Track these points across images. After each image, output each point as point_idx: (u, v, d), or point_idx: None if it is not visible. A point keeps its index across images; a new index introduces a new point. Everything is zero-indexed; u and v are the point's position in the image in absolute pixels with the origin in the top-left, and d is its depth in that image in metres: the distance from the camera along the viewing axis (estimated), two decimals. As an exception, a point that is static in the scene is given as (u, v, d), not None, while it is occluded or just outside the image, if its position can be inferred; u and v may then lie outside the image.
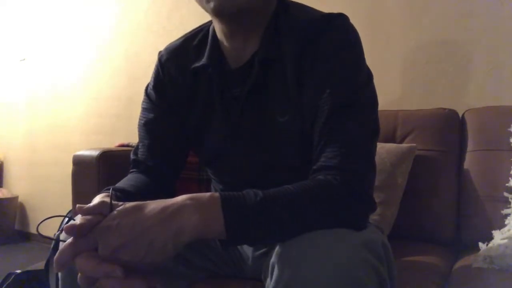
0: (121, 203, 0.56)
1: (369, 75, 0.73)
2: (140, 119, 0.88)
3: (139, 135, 0.88)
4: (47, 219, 0.59)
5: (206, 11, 0.75)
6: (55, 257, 0.52)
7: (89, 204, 0.56)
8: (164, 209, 0.53)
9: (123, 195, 0.71)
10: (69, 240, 0.53)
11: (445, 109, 1.38)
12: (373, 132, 0.70)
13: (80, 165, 1.41)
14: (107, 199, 0.56)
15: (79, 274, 0.53)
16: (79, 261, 0.52)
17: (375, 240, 0.59)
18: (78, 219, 0.54)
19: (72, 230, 0.52)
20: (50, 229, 0.63)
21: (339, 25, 0.72)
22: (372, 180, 0.67)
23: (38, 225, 0.58)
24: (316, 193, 0.60)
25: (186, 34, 0.87)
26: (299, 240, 0.55)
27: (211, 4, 0.70)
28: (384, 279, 0.57)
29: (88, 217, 0.54)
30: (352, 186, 0.62)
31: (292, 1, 0.80)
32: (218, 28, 0.79)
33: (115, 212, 0.54)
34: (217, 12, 0.71)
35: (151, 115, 0.86)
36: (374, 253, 0.56)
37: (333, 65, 0.69)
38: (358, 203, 0.62)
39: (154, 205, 0.54)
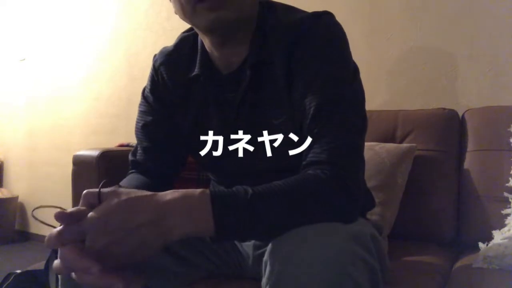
0: (111, 188, 0.55)
1: (355, 71, 0.74)
2: (137, 122, 0.88)
3: (137, 137, 0.89)
4: (43, 207, 0.59)
5: (195, 26, 0.77)
6: (45, 241, 0.53)
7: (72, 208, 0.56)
8: (154, 208, 0.53)
9: None
10: (57, 228, 0.53)
11: (445, 109, 1.38)
12: (361, 127, 0.71)
13: (80, 165, 1.41)
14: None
15: (58, 259, 0.53)
16: (62, 249, 0.52)
17: (364, 233, 0.59)
18: (71, 209, 0.54)
19: (62, 217, 0.53)
20: (49, 227, 0.63)
21: (323, 23, 0.73)
22: (361, 174, 0.69)
23: (33, 210, 0.58)
24: (305, 187, 0.61)
25: (178, 38, 0.88)
26: (288, 236, 0.56)
27: (203, 22, 0.71)
28: (374, 271, 0.57)
29: (80, 207, 0.54)
30: (341, 179, 0.62)
31: (276, 2, 0.81)
32: (206, 40, 0.80)
33: (104, 206, 0.53)
34: (210, 30, 0.73)
35: (149, 118, 0.87)
36: (363, 246, 0.56)
37: (319, 63, 0.71)
38: (347, 196, 0.62)
39: (143, 203, 0.53)
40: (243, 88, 0.76)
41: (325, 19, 0.74)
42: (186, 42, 0.86)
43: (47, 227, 0.58)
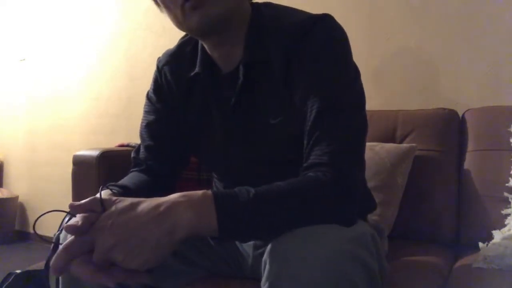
0: (114, 198, 0.56)
1: (356, 73, 0.75)
2: (142, 122, 0.90)
3: (141, 136, 0.90)
4: (43, 215, 0.59)
5: (189, 31, 0.78)
6: (51, 262, 0.53)
7: (80, 202, 0.57)
8: (157, 207, 0.54)
9: (125, 191, 0.73)
10: (64, 244, 0.53)
11: (445, 109, 1.38)
12: (361, 129, 0.72)
13: (80, 165, 1.41)
14: (104, 196, 0.57)
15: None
16: (75, 268, 0.52)
17: (364, 234, 0.60)
18: (78, 218, 0.54)
19: (72, 230, 0.53)
20: (49, 228, 0.63)
21: (324, 25, 0.73)
22: (361, 176, 0.70)
23: (35, 222, 0.59)
24: (306, 189, 0.61)
25: (181, 39, 0.90)
26: (288, 236, 0.56)
27: (191, 24, 0.72)
28: (373, 272, 0.58)
29: (86, 215, 0.54)
30: (341, 182, 0.63)
31: (275, 3, 0.81)
32: (204, 43, 0.81)
33: (109, 212, 0.54)
34: (199, 31, 0.74)
35: (152, 117, 0.88)
36: (363, 246, 0.57)
37: (320, 66, 0.71)
38: (347, 199, 0.63)
39: (147, 203, 0.55)
40: (238, 87, 0.77)
41: (326, 21, 0.74)
42: (189, 42, 0.87)
43: (48, 224, 0.58)
